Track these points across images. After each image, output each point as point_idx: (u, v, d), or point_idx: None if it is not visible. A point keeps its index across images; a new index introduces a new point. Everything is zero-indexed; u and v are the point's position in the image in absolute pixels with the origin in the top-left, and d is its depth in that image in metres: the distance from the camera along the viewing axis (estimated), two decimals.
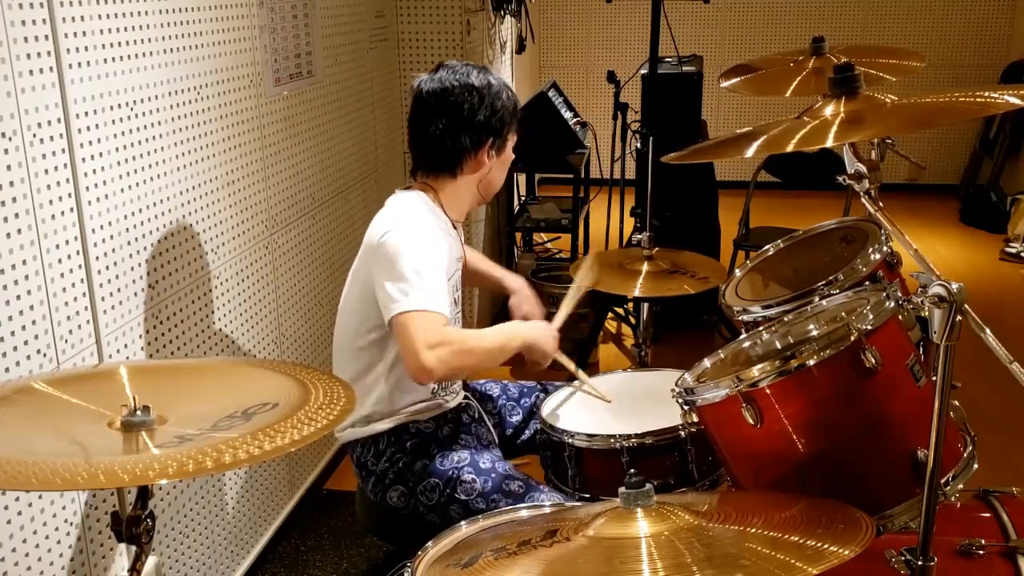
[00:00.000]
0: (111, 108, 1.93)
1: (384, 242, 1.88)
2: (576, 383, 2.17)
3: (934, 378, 1.31)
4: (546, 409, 2.06)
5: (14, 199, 1.67)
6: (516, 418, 2.22)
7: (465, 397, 2.17)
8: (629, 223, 4.36)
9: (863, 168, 1.82)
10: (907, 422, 1.46)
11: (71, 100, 1.80)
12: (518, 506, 1.73)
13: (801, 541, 1.15)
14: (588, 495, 1.88)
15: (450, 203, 2.05)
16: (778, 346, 1.75)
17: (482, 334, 1.96)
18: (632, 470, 1.31)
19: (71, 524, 1.87)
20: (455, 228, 2.08)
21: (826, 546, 1.13)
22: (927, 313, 1.30)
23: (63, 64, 1.78)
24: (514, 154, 2.13)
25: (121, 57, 1.95)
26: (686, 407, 1.60)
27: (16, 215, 1.68)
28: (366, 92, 3.36)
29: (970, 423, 1.61)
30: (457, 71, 2.01)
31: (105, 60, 1.90)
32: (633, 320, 4.23)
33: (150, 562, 2.05)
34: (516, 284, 2.32)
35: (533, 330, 2.02)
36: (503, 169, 2.11)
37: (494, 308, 4.37)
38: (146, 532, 1.26)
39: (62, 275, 1.81)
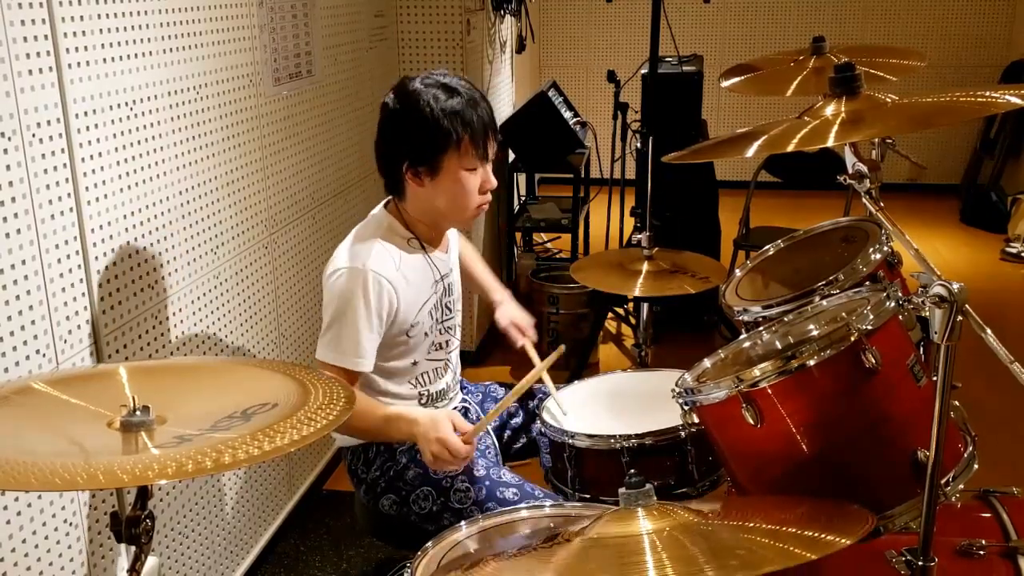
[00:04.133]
0: (111, 108, 1.93)
1: (327, 284, 1.91)
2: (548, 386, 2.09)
3: (934, 378, 1.31)
4: (546, 410, 2.05)
5: (13, 199, 1.67)
6: (518, 420, 2.21)
7: (463, 401, 2.16)
8: (629, 223, 4.36)
9: (864, 168, 1.83)
10: (908, 422, 1.46)
11: (70, 100, 1.80)
12: (519, 506, 1.73)
13: (800, 532, 1.16)
14: (588, 496, 1.88)
15: (412, 222, 1.98)
16: (778, 346, 1.75)
17: (367, 412, 1.85)
18: (632, 470, 1.31)
19: (71, 524, 1.87)
20: (424, 247, 1.99)
21: (825, 536, 1.13)
22: (928, 313, 1.29)
23: (62, 64, 1.78)
24: (493, 180, 1.94)
25: (121, 57, 1.95)
26: (686, 407, 1.60)
27: (15, 215, 1.68)
28: (366, 92, 3.36)
29: (971, 423, 1.60)
30: (407, 83, 1.90)
31: (104, 60, 1.90)
32: (633, 320, 4.23)
33: (150, 562, 2.05)
34: (500, 297, 2.29)
35: (420, 429, 1.80)
36: (456, 194, 1.91)
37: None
38: (145, 532, 1.25)
39: (61, 275, 1.81)
